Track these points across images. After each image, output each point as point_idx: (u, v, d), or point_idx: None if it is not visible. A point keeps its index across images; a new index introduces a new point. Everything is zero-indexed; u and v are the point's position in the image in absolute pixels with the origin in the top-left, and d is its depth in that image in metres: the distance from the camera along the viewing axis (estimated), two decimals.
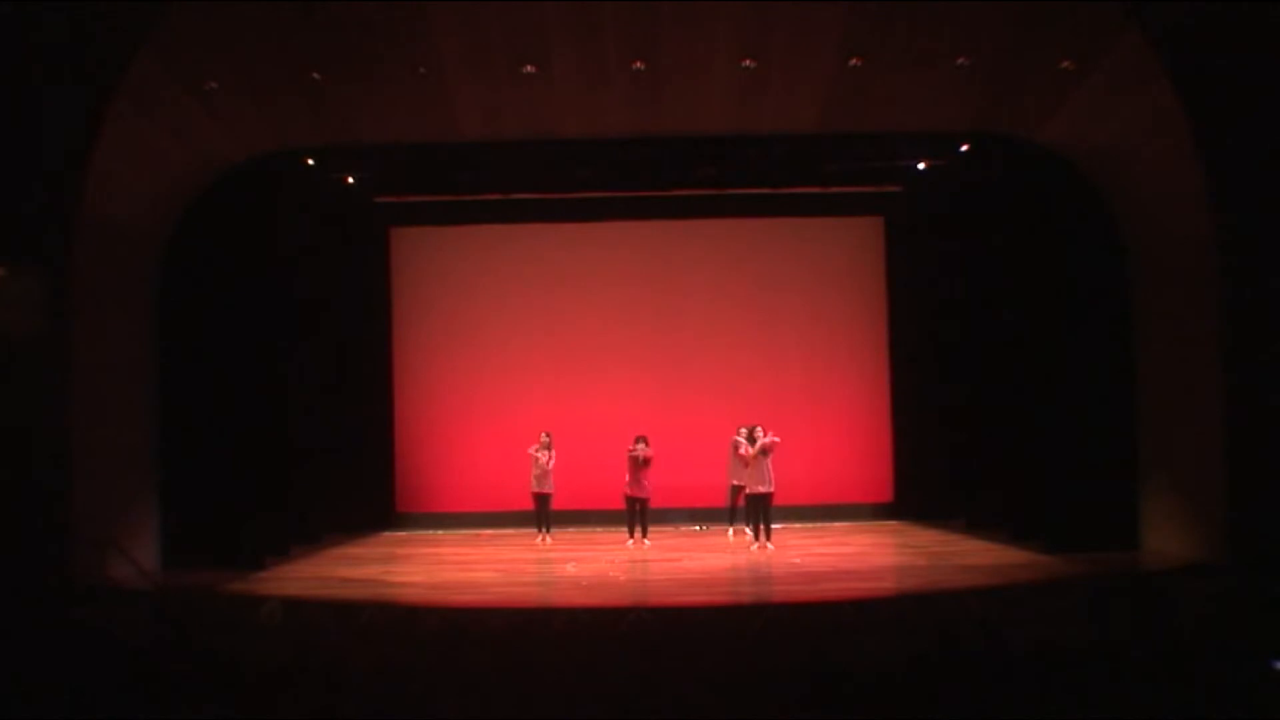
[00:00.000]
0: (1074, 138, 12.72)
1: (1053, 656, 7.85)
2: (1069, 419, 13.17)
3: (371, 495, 16.54)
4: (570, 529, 15.90)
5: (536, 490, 15.00)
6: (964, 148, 13.87)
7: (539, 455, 14.95)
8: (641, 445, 14.45)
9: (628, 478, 14.49)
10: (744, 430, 14.37)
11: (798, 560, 13.13)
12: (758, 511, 14.02)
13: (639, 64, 11.58)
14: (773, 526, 14.17)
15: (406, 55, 11.37)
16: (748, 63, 11.59)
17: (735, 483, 14.79)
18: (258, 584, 11.76)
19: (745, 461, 14.17)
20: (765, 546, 13.75)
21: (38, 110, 10.63)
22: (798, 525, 15.87)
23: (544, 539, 14.88)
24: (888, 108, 12.58)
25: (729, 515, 15.08)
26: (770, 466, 13.83)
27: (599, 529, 15.87)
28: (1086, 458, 13.06)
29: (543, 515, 15.03)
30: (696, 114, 12.87)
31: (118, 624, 9.22)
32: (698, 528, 15.31)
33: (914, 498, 16.66)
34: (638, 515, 14.46)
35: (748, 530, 14.33)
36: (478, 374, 16.92)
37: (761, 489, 13.84)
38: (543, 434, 15.09)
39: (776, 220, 16.87)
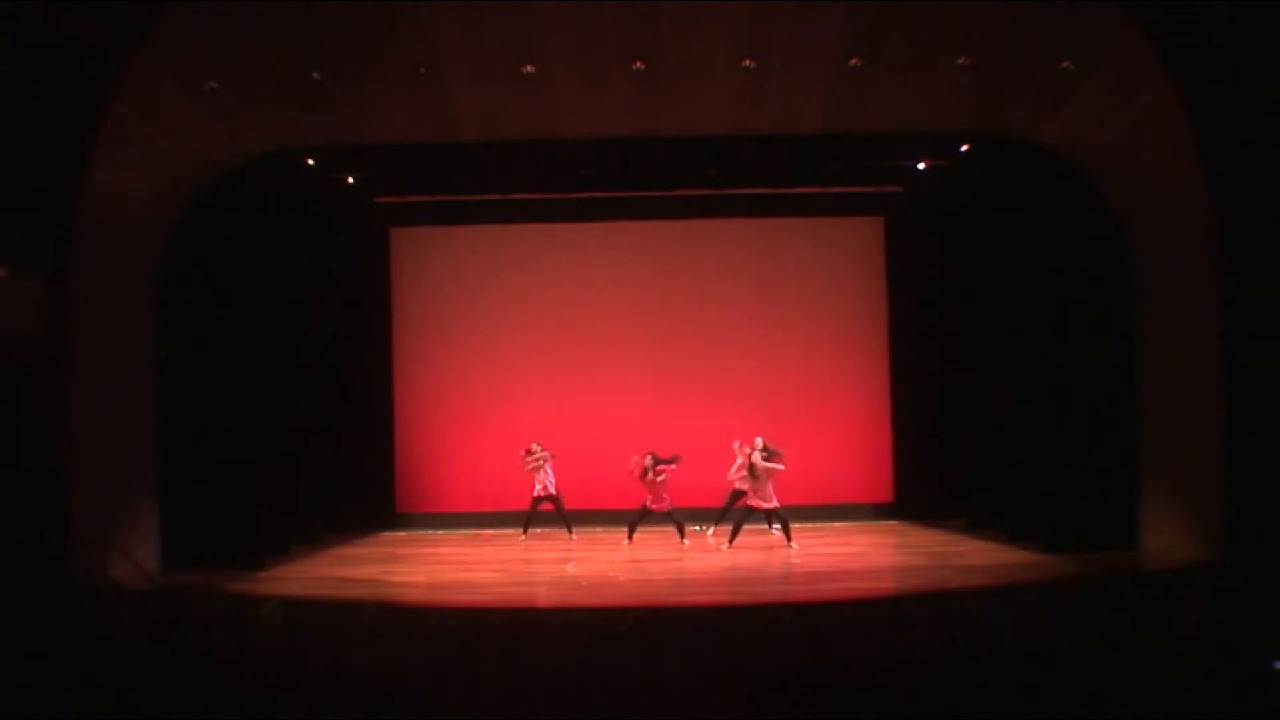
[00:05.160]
0: (1074, 138, 12.71)
1: (1053, 656, 7.86)
2: (1069, 419, 13.17)
3: (371, 495, 16.52)
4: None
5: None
6: (964, 148, 13.86)
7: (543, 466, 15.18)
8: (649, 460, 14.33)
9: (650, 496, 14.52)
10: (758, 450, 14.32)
11: (798, 560, 13.14)
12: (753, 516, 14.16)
13: (639, 64, 11.58)
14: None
15: (406, 55, 11.37)
16: (748, 63, 11.58)
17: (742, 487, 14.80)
18: (258, 584, 11.75)
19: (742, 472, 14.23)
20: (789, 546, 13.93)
21: (38, 110, 10.64)
22: (797, 525, 15.82)
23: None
24: (888, 108, 12.58)
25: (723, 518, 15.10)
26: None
27: (599, 529, 15.86)
28: (1086, 458, 13.06)
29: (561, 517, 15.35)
30: (697, 114, 12.86)
31: (118, 624, 9.22)
32: (699, 528, 15.28)
33: (914, 498, 16.64)
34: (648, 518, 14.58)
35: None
36: (478, 374, 16.91)
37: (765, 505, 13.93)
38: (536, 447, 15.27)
39: (777, 220, 16.85)
